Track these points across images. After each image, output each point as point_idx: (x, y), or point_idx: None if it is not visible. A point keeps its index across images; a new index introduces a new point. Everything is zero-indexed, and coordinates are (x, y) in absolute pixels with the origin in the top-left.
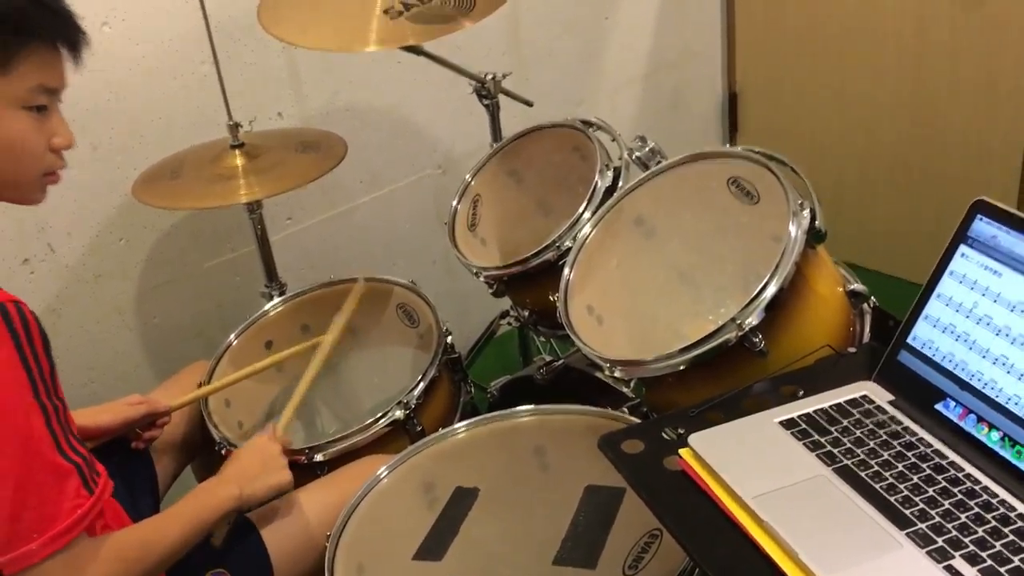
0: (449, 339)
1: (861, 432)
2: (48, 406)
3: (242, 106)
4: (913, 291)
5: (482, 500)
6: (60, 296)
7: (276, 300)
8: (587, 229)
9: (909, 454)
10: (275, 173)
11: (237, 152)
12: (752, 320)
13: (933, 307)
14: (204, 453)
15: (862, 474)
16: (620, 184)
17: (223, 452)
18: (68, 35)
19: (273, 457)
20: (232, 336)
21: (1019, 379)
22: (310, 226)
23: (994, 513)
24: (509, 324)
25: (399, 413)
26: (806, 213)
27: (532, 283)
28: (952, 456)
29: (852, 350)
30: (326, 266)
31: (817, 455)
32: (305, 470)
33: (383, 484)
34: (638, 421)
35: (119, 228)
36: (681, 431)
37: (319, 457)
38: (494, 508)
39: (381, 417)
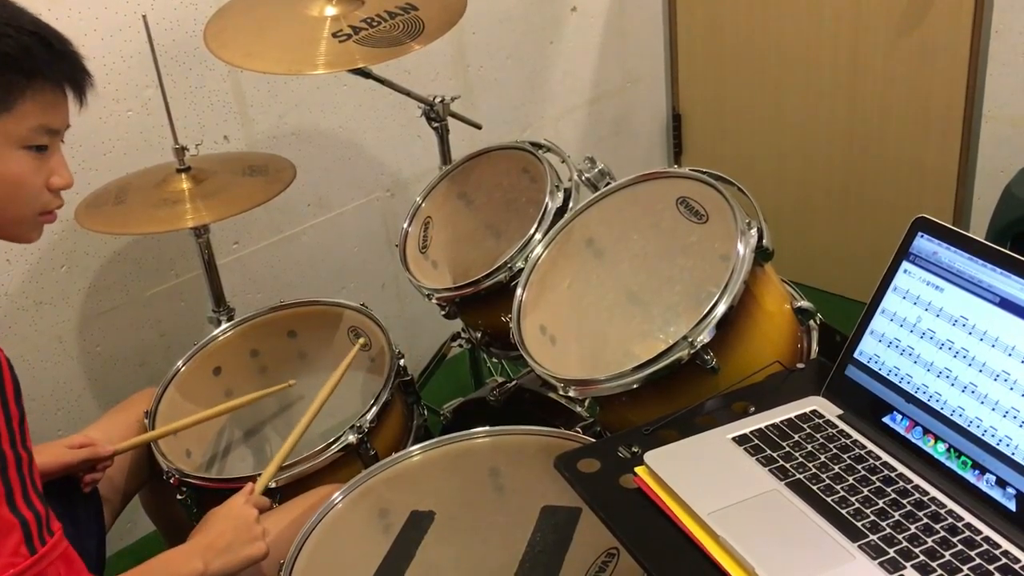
0: (401, 362)
1: (812, 446)
2: (9, 456)
3: (188, 129)
4: (852, 308)
5: (438, 524)
6: None
7: (224, 325)
8: (539, 250)
9: (859, 467)
10: (222, 197)
11: (183, 176)
12: (704, 337)
13: (878, 322)
14: (152, 482)
15: (814, 488)
16: (570, 205)
17: (171, 481)
18: (74, 77)
19: (247, 525)
20: (180, 363)
21: (962, 391)
22: (257, 250)
23: (943, 523)
24: (460, 346)
25: (352, 438)
26: (753, 232)
27: (484, 304)
28: (900, 468)
29: (801, 366)
30: (274, 290)
31: (770, 470)
32: None
33: (337, 510)
34: (593, 440)
35: (60, 255)
36: (636, 449)
37: (271, 484)
38: (450, 531)
39: (334, 442)
